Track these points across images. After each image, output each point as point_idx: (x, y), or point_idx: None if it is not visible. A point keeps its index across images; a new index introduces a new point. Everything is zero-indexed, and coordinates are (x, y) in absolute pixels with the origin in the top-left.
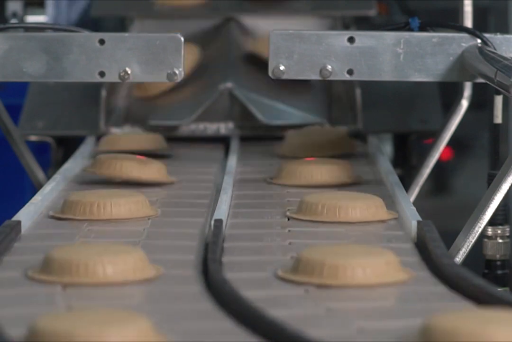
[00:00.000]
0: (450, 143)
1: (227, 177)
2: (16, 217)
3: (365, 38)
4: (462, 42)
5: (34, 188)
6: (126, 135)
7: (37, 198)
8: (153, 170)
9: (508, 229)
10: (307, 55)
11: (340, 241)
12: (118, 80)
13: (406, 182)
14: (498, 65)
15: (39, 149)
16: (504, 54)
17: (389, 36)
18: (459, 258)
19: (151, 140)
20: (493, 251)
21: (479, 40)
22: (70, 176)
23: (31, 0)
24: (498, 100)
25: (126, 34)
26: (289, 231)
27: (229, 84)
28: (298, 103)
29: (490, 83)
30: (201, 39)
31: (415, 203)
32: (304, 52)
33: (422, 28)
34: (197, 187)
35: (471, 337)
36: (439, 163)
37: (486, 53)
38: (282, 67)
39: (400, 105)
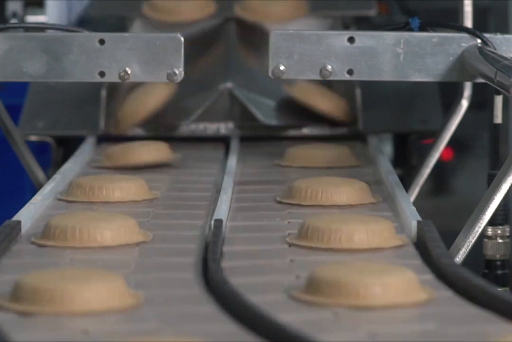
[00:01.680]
0: (450, 143)
1: (227, 177)
2: (16, 217)
3: (365, 38)
4: (462, 42)
5: (34, 188)
6: (128, 149)
7: (37, 198)
8: (136, 190)
9: (508, 229)
10: (307, 55)
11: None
12: (118, 80)
13: (406, 182)
14: (498, 65)
15: (39, 149)
16: (504, 54)
17: (389, 36)
18: (459, 258)
19: (156, 151)
20: (493, 251)
21: (479, 40)
22: (70, 176)
23: (31, 0)
24: (498, 100)
25: (126, 34)
26: (288, 222)
27: (229, 84)
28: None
29: (490, 83)
30: (201, 39)
31: (415, 203)
32: (304, 52)
33: (422, 28)
34: (197, 187)
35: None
36: (439, 163)
37: (486, 53)
38: (282, 67)
39: (400, 105)
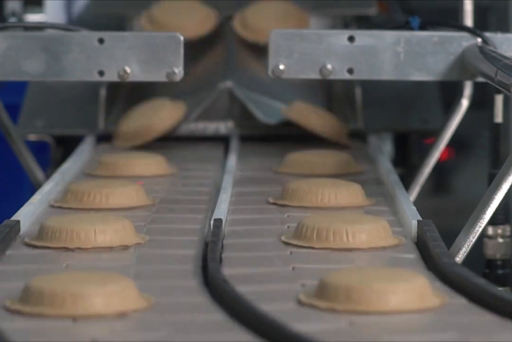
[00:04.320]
0: (451, 142)
1: (227, 176)
2: (15, 217)
3: (365, 37)
4: (463, 41)
5: (33, 187)
6: (125, 160)
7: (36, 197)
8: (130, 196)
9: (508, 229)
10: (307, 54)
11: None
12: (118, 80)
13: (407, 181)
14: (498, 64)
15: (38, 149)
16: (504, 53)
17: (389, 35)
18: (460, 257)
19: (152, 164)
20: (493, 250)
21: (479, 39)
22: (69, 175)
23: None
24: (499, 99)
25: (126, 33)
26: (288, 226)
27: (228, 84)
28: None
29: (491, 82)
30: (201, 39)
31: (415, 203)
32: (304, 51)
33: (422, 27)
34: (197, 186)
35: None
36: (439, 162)
37: (486, 52)
38: (282, 66)
39: (400, 104)
